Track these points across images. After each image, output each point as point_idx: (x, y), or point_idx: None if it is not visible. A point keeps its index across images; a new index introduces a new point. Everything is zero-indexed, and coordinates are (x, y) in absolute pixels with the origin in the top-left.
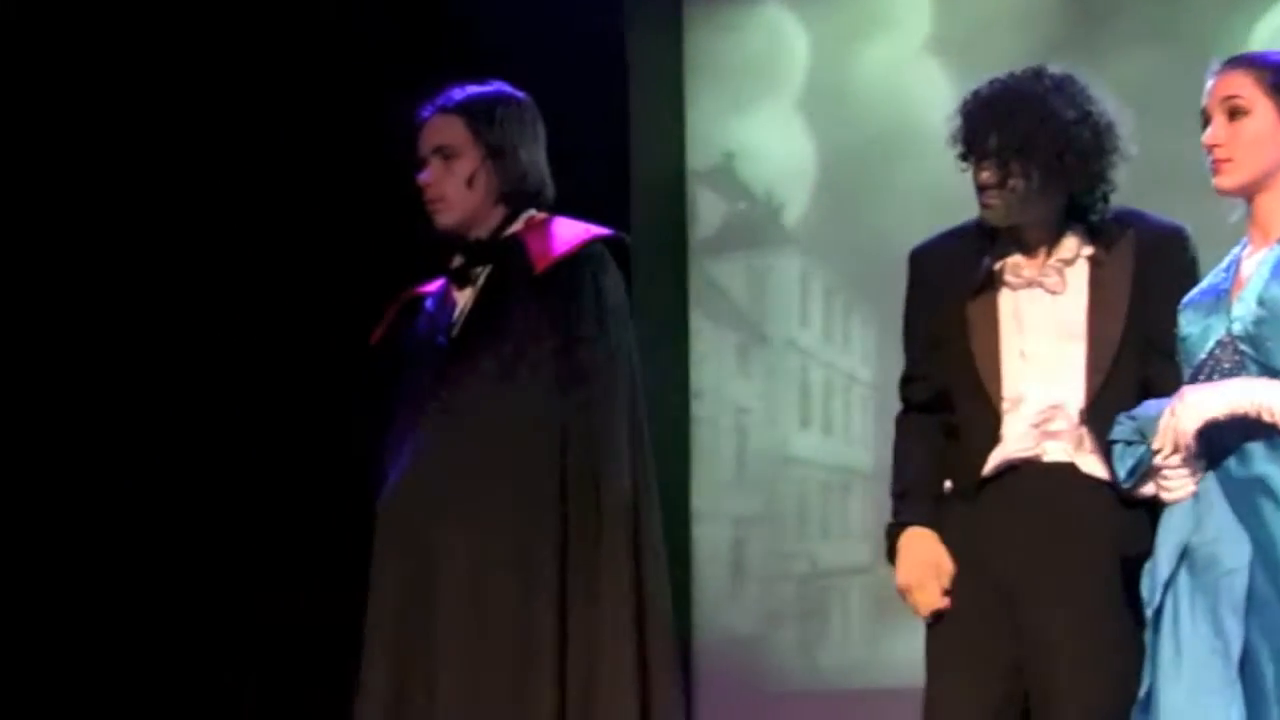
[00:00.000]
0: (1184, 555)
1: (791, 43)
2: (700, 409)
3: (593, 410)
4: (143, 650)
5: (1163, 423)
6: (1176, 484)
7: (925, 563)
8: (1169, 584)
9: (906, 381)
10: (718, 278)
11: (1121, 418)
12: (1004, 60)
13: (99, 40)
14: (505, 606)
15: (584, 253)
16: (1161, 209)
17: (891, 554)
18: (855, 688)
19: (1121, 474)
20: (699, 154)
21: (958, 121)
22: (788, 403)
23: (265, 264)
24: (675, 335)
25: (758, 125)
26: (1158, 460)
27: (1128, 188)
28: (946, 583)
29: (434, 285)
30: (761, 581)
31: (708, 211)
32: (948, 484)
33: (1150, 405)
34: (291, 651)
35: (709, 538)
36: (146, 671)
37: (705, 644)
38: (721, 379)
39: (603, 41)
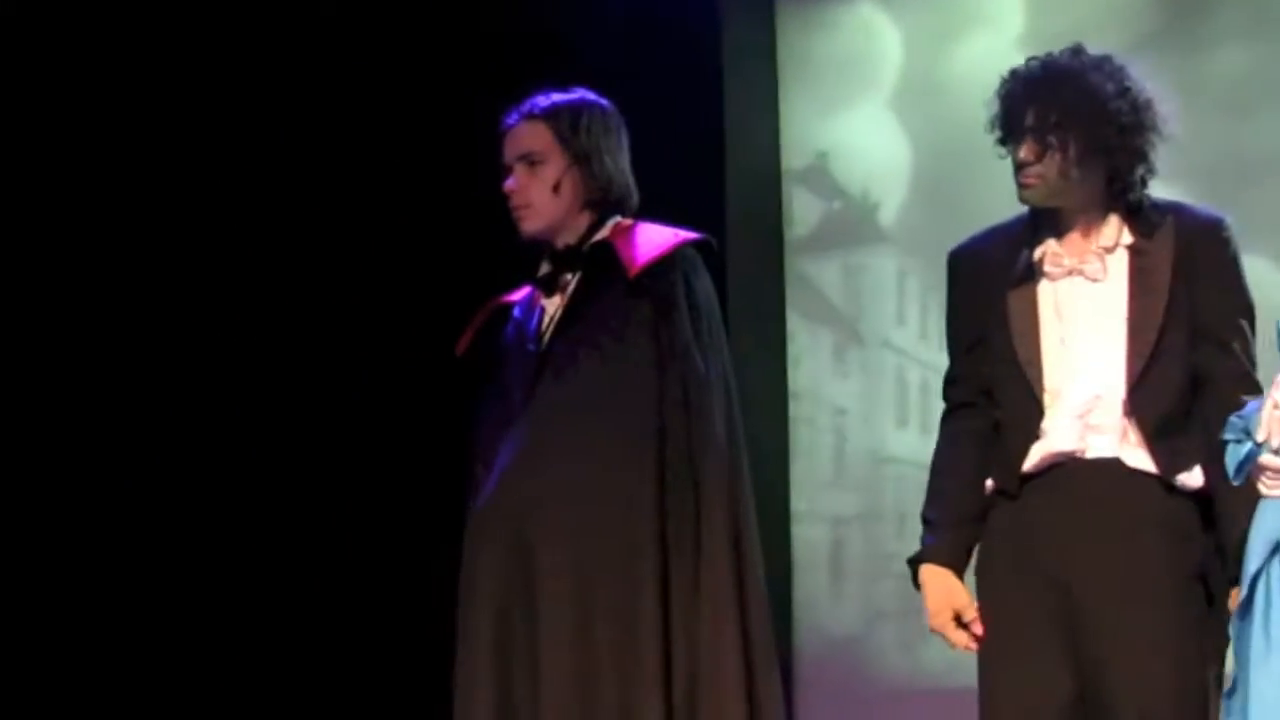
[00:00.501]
0: (1276, 549)
1: (884, 40)
2: (798, 410)
3: (688, 414)
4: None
5: (1264, 414)
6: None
7: (943, 607)
8: (1259, 577)
9: (950, 383)
10: (814, 278)
11: (1232, 418)
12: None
13: (179, 41)
14: (608, 613)
15: (675, 256)
16: (1260, 202)
17: (915, 581)
18: (959, 686)
19: (1230, 471)
20: (793, 154)
21: (995, 104)
22: (885, 402)
23: (348, 271)
24: (772, 336)
25: (852, 124)
26: (1263, 458)
27: (1226, 181)
28: (968, 617)
29: (520, 293)
30: (861, 581)
31: (803, 211)
32: (989, 483)
33: (1254, 404)
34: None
35: (808, 538)
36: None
37: (805, 645)
38: (818, 379)
39: (696, 43)
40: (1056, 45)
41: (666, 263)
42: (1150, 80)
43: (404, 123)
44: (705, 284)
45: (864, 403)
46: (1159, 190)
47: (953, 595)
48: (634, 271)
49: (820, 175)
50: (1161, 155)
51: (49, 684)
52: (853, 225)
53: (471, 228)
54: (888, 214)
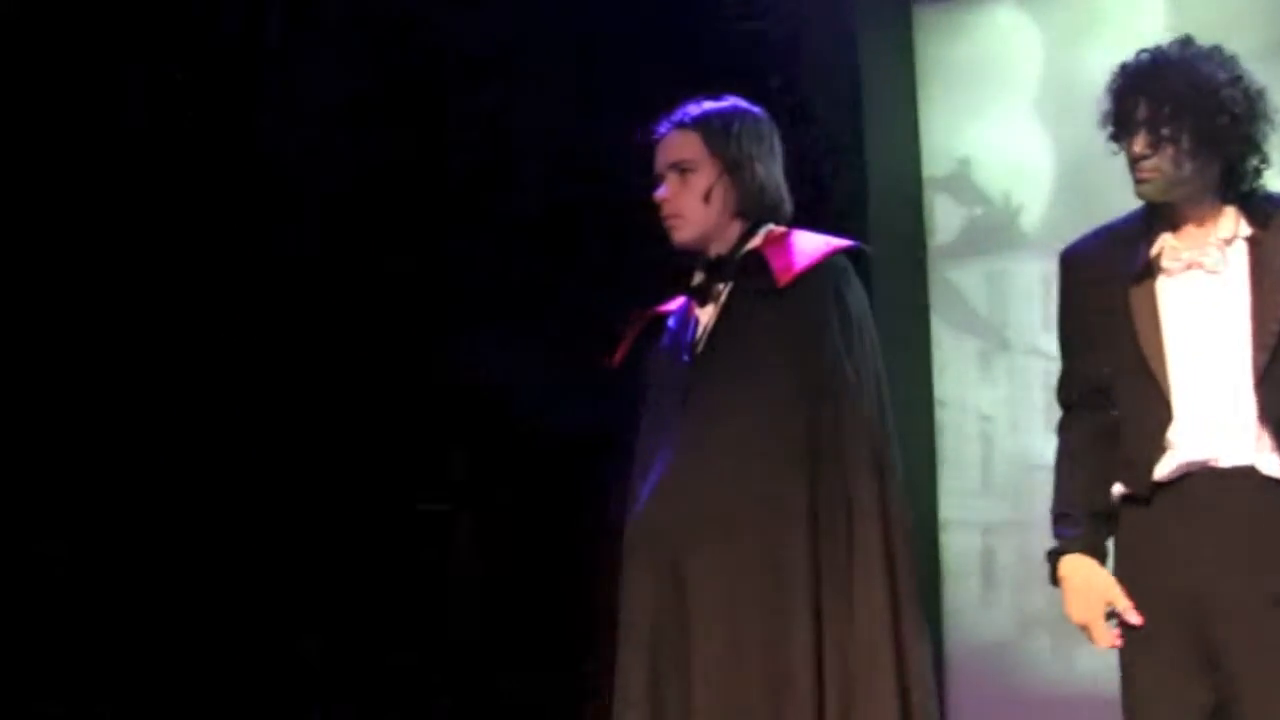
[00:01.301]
0: None
1: (1023, 42)
2: (944, 417)
3: (840, 425)
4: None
5: None
6: None
7: (1091, 598)
8: None
9: (1065, 383)
10: (957, 284)
11: None
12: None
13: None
14: (759, 626)
15: (826, 265)
16: None
17: (1054, 577)
18: (1112, 692)
19: None
20: (934, 160)
21: (1106, 101)
22: (1032, 408)
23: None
24: (917, 344)
25: (992, 128)
26: None
27: None
28: (1121, 605)
29: (675, 304)
30: (1012, 588)
31: (945, 218)
32: (1118, 488)
33: None
34: None
35: (958, 546)
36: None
37: (957, 652)
38: (964, 386)
39: (835, 52)
40: None
41: (817, 272)
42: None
43: (552, 131)
44: (857, 293)
45: (1011, 409)
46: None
47: (1100, 583)
48: (784, 281)
49: (961, 181)
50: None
51: (49, 683)
52: (995, 231)
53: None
54: (1030, 218)
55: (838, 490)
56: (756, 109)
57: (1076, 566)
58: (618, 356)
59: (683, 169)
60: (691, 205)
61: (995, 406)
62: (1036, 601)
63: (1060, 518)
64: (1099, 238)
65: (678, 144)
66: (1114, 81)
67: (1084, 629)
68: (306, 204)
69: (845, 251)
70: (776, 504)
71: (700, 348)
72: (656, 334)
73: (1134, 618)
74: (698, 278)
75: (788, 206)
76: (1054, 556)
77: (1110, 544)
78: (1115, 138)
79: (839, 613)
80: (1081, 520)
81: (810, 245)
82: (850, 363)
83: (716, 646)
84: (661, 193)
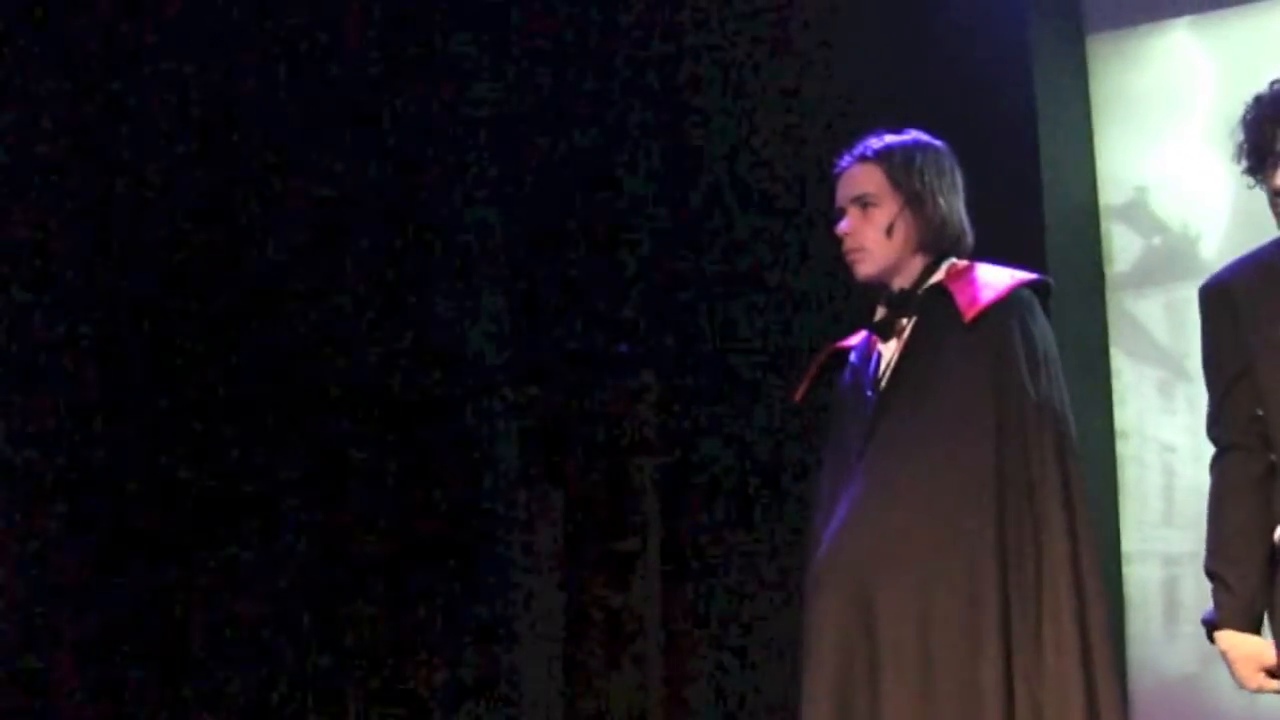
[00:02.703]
0: None
1: (1199, 69)
2: (1125, 448)
3: (1028, 459)
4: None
5: None
6: None
7: (1254, 671)
8: None
9: (1215, 423)
10: (1136, 314)
11: None
12: None
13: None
14: (951, 659)
15: (1012, 299)
16: None
17: (1210, 637)
18: None
19: None
20: (1111, 189)
21: (1240, 134)
22: None
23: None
24: (1097, 374)
25: (1169, 156)
26: None
27: None
28: (1272, 662)
29: (856, 339)
30: (1196, 621)
31: (1122, 247)
32: (1279, 534)
33: None
34: None
35: (1140, 578)
36: None
37: (1140, 684)
38: (1145, 417)
39: (1009, 82)
40: None
41: (1003, 306)
42: None
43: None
44: (1042, 327)
45: (1192, 439)
46: None
47: (1260, 657)
48: (970, 316)
49: (1139, 210)
50: None
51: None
52: (1174, 259)
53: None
54: (1209, 246)
55: (1027, 524)
56: (938, 142)
57: (1234, 642)
58: (800, 392)
59: (865, 203)
60: (874, 239)
61: (1177, 436)
62: None
63: (1214, 579)
64: (1239, 269)
65: (860, 177)
66: (1249, 113)
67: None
68: None
69: (1030, 285)
70: (967, 537)
71: (884, 382)
72: (839, 369)
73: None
74: (880, 312)
75: (969, 239)
76: (1209, 627)
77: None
78: (1252, 171)
79: (1027, 645)
80: (1238, 588)
81: (995, 279)
82: (1037, 396)
83: (908, 680)
84: (843, 227)
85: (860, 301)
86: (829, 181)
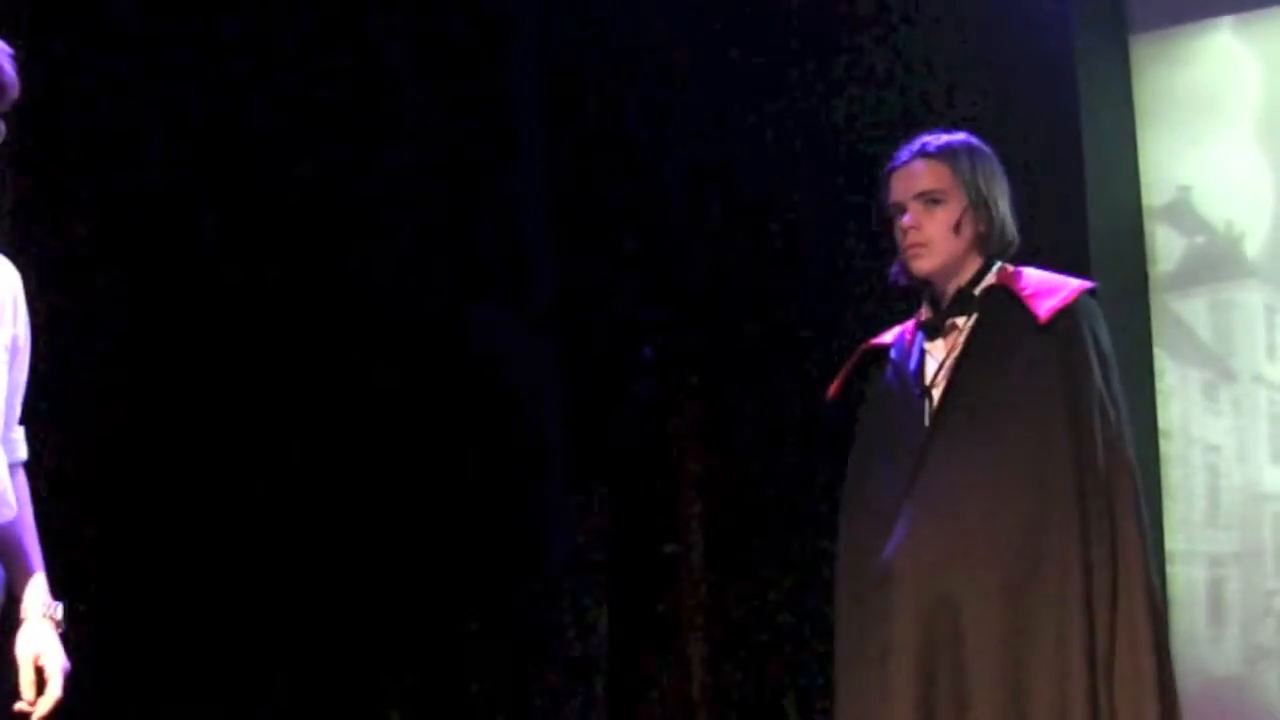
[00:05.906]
0: None
1: (1244, 69)
2: (1169, 448)
3: (1107, 461)
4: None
5: None
6: None
7: None
8: None
9: None
10: (1180, 315)
11: None
12: None
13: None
14: (1040, 670)
15: (1081, 303)
16: None
17: None
18: None
19: None
20: (1155, 190)
21: None
22: (1258, 438)
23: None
24: (1141, 375)
25: (1213, 156)
26: None
27: None
28: None
29: (892, 335)
30: (1242, 621)
31: (1166, 248)
32: None
33: None
34: None
35: (1185, 578)
36: None
37: (1186, 685)
38: (1189, 417)
39: (1053, 83)
40: None
41: (1073, 310)
42: None
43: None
44: (1105, 333)
45: (1238, 439)
46: None
47: None
48: (1045, 319)
49: (1183, 210)
50: None
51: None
52: (1218, 260)
53: None
54: (1254, 247)
55: (1105, 526)
56: (986, 146)
57: None
58: (834, 389)
59: (932, 199)
60: (941, 235)
61: (1221, 437)
62: (1266, 633)
63: None
64: None
65: (925, 174)
66: None
67: None
68: None
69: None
70: (1049, 548)
71: (941, 384)
72: (875, 366)
73: None
74: (925, 311)
75: (1017, 244)
76: None
77: None
78: None
79: (1105, 647)
80: None
81: (1054, 284)
82: (1110, 399)
83: (995, 686)
84: (909, 220)
85: (889, 299)
86: (874, 179)
